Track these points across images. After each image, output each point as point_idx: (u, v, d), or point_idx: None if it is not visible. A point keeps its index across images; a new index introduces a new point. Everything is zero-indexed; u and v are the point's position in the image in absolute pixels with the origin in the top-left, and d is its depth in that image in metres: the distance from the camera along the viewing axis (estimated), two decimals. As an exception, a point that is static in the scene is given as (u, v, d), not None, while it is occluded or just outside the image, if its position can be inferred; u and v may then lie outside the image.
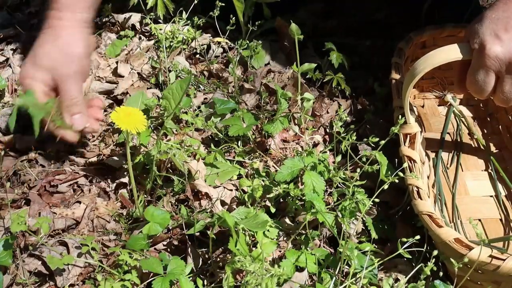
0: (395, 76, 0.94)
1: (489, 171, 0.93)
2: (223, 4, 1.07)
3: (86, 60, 0.87)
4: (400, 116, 0.78)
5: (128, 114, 0.74)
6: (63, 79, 0.82)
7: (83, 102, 0.85)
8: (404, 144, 0.83)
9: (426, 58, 0.77)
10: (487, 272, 0.66)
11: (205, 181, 0.86)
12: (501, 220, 0.85)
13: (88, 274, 0.76)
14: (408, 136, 0.84)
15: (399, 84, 0.91)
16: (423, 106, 1.07)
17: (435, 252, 0.65)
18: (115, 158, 0.90)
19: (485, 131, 1.02)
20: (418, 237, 0.68)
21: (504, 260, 0.63)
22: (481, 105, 1.07)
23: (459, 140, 0.99)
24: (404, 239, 0.69)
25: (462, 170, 0.94)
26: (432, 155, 0.96)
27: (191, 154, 0.89)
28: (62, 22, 0.85)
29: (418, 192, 0.74)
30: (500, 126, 1.01)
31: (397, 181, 0.73)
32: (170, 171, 0.87)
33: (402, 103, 0.84)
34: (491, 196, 0.89)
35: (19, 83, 0.84)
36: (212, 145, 0.91)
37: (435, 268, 0.65)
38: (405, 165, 0.77)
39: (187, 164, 0.84)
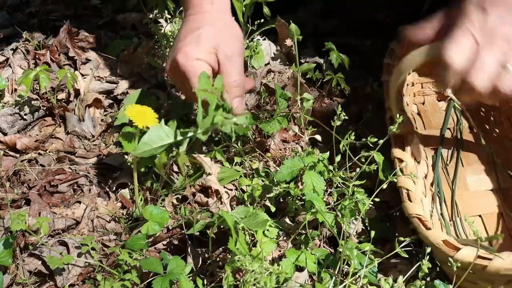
0: (386, 77, 0.94)
1: (490, 165, 0.93)
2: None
3: (242, 39, 0.83)
4: (398, 116, 0.77)
5: (141, 112, 0.75)
6: (227, 59, 0.78)
7: (243, 85, 0.81)
8: (396, 146, 0.83)
9: (405, 59, 0.75)
10: (478, 271, 0.66)
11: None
12: (501, 214, 0.85)
13: (88, 274, 0.76)
14: (399, 137, 0.83)
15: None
16: (423, 103, 1.07)
17: (429, 249, 0.66)
18: (115, 158, 0.90)
19: (486, 126, 1.01)
20: (415, 236, 0.68)
21: (491, 260, 0.64)
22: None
23: (459, 136, 0.99)
24: (402, 238, 0.69)
25: (463, 165, 0.94)
26: (432, 152, 0.96)
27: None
28: (215, 6, 0.82)
29: (408, 194, 0.74)
30: (501, 119, 1.00)
31: (395, 180, 0.73)
32: (173, 171, 0.87)
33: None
34: (491, 190, 0.89)
35: (181, 65, 0.76)
36: (212, 145, 0.91)
37: (430, 265, 0.65)
38: (397, 167, 0.77)
39: (198, 161, 0.84)
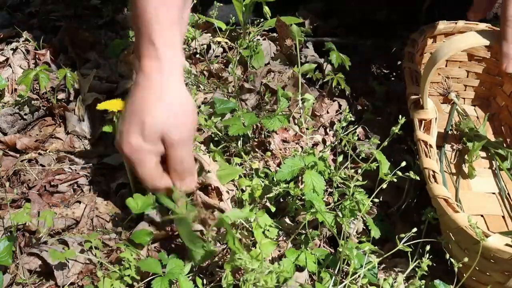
0: (409, 64, 0.94)
1: (493, 169, 0.94)
2: (221, 4, 1.07)
3: (195, 115, 0.76)
4: (412, 105, 0.76)
5: (111, 103, 0.80)
6: (175, 145, 0.72)
7: (194, 164, 0.77)
8: (420, 129, 0.82)
9: (450, 42, 0.76)
10: (501, 261, 0.65)
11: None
12: (503, 217, 0.86)
13: (89, 271, 0.76)
14: (423, 122, 0.83)
15: (413, 72, 0.92)
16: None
17: (428, 247, 0.66)
18: (115, 158, 0.90)
19: (489, 130, 1.02)
20: (415, 229, 0.68)
21: None
22: (484, 105, 1.07)
23: (461, 138, 0.99)
24: (402, 235, 0.69)
25: (465, 166, 0.94)
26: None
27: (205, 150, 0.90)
28: (164, 76, 0.72)
29: (434, 176, 0.73)
30: (502, 126, 1.02)
31: (395, 180, 0.73)
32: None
33: (417, 89, 0.83)
34: (494, 193, 0.90)
35: (126, 155, 0.72)
36: (211, 145, 0.91)
37: (430, 263, 0.65)
38: (421, 149, 0.77)
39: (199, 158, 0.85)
